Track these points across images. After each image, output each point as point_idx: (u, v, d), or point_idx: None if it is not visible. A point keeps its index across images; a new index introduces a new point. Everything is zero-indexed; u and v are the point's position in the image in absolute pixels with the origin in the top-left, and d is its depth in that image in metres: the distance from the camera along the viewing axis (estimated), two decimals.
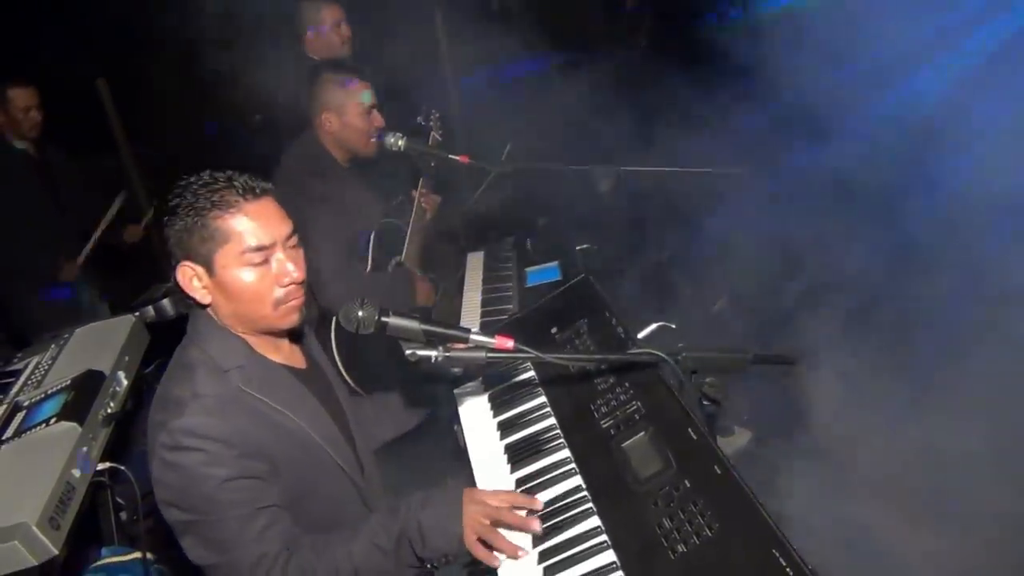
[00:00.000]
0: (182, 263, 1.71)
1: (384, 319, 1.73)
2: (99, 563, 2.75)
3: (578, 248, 3.63)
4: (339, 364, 2.91)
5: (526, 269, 3.46)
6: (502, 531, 1.69)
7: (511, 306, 3.27)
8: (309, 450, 1.80)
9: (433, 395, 2.27)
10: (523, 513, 1.72)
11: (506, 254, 3.71)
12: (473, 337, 1.75)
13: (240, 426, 1.68)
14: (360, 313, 1.72)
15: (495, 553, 1.68)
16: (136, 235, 4.77)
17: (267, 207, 1.72)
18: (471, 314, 3.27)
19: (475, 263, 3.70)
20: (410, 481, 2.60)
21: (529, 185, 3.80)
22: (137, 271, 5.14)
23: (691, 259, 3.54)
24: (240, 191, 1.69)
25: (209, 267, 1.70)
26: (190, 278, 1.71)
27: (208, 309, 1.78)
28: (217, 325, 1.78)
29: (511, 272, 3.54)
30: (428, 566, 1.74)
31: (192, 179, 1.71)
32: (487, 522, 1.68)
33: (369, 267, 3.12)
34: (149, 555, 2.75)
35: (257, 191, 1.72)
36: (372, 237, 3.16)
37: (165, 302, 4.02)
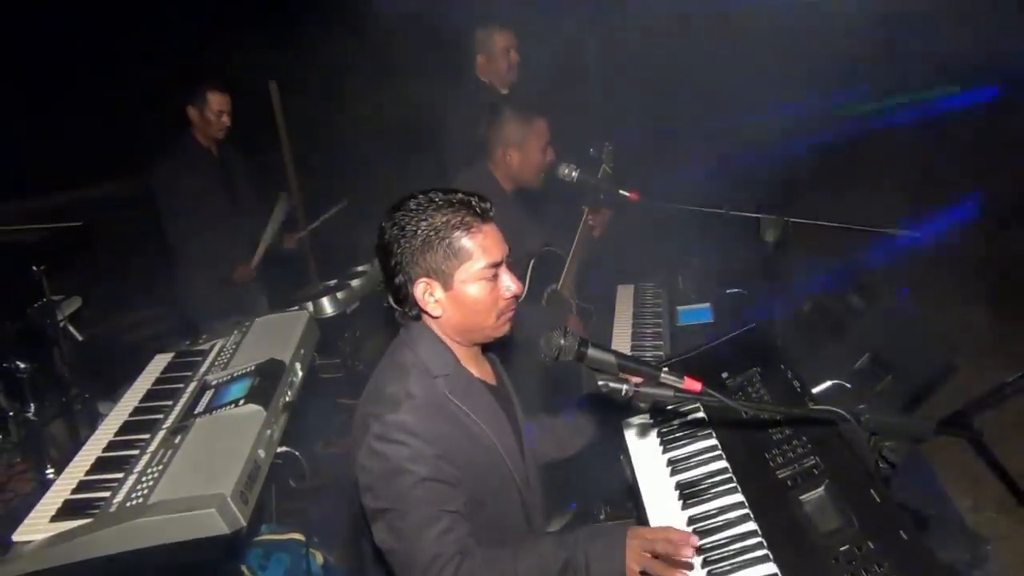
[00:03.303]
0: (420, 279, 1.84)
1: (584, 349, 1.84)
2: (259, 538, 2.96)
3: (728, 292, 3.67)
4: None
5: (677, 308, 3.51)
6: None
7: (661, 343, 3.34)
8: (493, 462, 1.93)
9: (599, 423, 2.35)
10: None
11: (656, 290, 3.77)
12: (664, 377, 1.83)
13: (443, 430, 1.82)
14: (563, 342, 1.83)
15: None
16: (295, 244, 5.02)
17: (495, 228, 1.90)
18: (621, 347, 3.35)
19: (625, 296, 3.78)
20: (566, 503, 2.72)
21: (682, 221, 3.84)
22: (293, 267, 5.47)
23: (836, 313, 3.51)
24: (478, 212, 1.85)
25: (447, 282, 1.84)
26: (426, 292, 1.85)
27: (424, 320, 1.92)
28: (431, 334, 1.92)
29: (662, 309, 3.60)
30: None
31: (423, 201, 1.85)
32: (647, 554, 1.75)
33: (523, 295, 3.23)
34: (304, 537, 2.95)
35: (490, 213, 1.89)
36: (531, 264, 3.28)
37: (324, 301, 4.29)
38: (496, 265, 1.87)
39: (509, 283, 1.91)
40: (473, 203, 1.86)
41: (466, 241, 1.83)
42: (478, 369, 2.00)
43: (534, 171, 3.21)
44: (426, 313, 1.89)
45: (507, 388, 2.14)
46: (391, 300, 1.93)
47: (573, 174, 3.17)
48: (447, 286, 1.85)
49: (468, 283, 1.85)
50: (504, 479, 1.97)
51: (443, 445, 1.80)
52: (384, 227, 1.86)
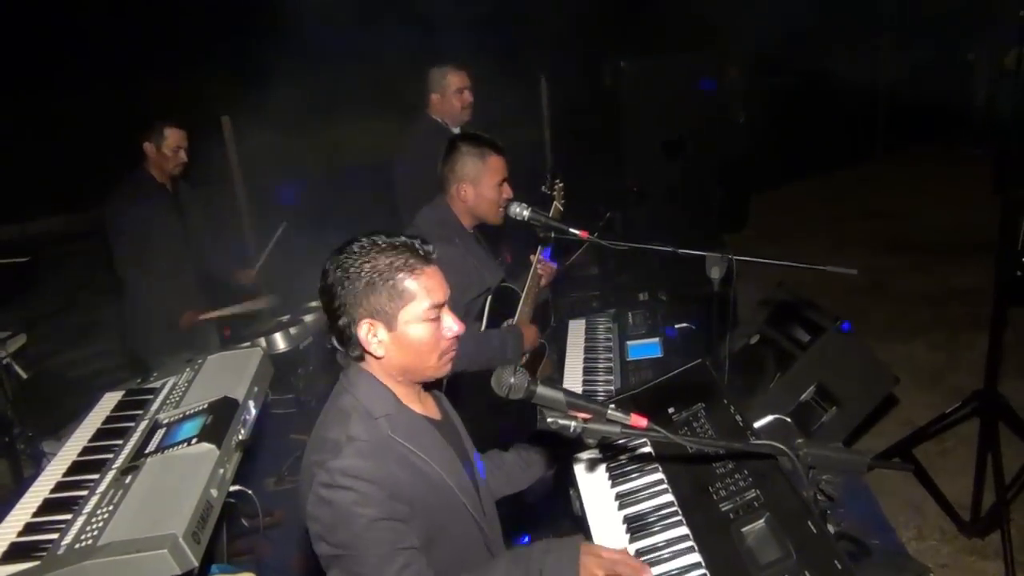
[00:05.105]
0: (363, 320, 1.86)
1: (533, 388, 1.89)
2: None
3: (677, 326, 3.76)
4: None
5: (627, 342, 3.58)
6: None
7: (612, 377, 3.39)
8: (444, 496, 1.95)
9: (550, 458, 2.39)
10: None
11: (608, 324, 3.84)
12: (611, 413, 1.89)
13: (389, 470, 1.84)
14: (512, 380, 1.87)
15: None
16: (249, 279, 4.94)
17: (438, 270, 1.93)
18: (572, 381, 3.40)
19: (576, 331, 3.84)
20: (518, 536, 2.74)
21: (630, 256, 3.92)
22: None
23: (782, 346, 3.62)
24: (421, 255, 1.89)
25: (391, 323, 1.87)
26: (369, 333, 1.87)
27: (364, 362, 1.95)
28: (369, 376, 1.95)
29: (612, 344, 3.66)
30: None
31: (366, 244, 1.88)
32: (601, 574, 1.79)
33: (483, 329, 3.27)
34: None
35: (432, 255, 1.92)
36: (488, 300, 3.32)
37: (277, 336, 4.28)
38: (439, 306, 1.91)
39: (451, 324, 1.94)
40: (416, 246, 1.90)
41: (410, 283, 1.86)
42: (421, 406, 2.04)
43: (490, 207, 3.22)
44: (369, 354, 1.91)
45: (453, 422, 2.18)
46: (335, 341, 1.95)
47: (524, 213, 3.21)
48: (390, 327, 1.87)
49: (411, 324, 1.88)
50: (459, 514, 1.99)
51: (391, 485, 1.82)
52: (328, 270, 1.89)
